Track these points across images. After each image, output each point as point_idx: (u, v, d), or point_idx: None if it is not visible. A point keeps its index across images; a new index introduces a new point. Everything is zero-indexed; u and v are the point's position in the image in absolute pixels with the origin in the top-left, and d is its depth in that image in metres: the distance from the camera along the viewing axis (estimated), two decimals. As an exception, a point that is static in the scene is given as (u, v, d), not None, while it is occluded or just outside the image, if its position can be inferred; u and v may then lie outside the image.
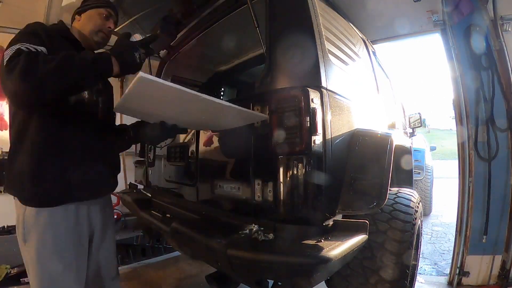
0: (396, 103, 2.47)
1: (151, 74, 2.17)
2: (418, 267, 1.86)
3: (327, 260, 0.80)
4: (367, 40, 2.03)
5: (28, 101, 0.82)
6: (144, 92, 0.77)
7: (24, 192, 0.91)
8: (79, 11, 1.13)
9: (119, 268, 2.53)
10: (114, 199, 3.05)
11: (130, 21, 2.04)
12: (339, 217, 1.10)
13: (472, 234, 2.07)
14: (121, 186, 2.99)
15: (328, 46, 1.14)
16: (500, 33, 1.94)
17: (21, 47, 0.81)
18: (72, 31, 1.11)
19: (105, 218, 1.11)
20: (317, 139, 0.94)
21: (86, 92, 1.03)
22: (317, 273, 0.85)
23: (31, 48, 0.82)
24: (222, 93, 2.90)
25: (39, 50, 0.84)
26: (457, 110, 2.17)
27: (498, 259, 2.02)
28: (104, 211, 1.11)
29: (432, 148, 5.47)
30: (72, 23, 1.14)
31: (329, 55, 1.13)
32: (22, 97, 0.79)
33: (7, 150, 2.63)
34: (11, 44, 0.85)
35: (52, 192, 0.92)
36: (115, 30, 1.18)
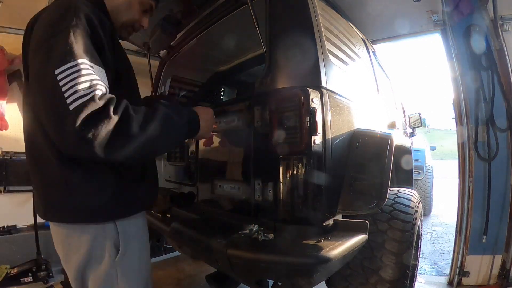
0: (396, 103, 2.47)
1: (151, 74, 2.17)
2: (418, 267, 1.86)
3: (327, 260, 0.81)
4: (367, 40, 2.03)
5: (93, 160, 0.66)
6: None
7: (113, 204, 0.78)
8: None
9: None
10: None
11: (130, 21, 2.04)
12: (339, 217, 1.10)
13: (472, 234, 2.07)
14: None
15: (328, 46, 1.14)
16: (500, 33, 1.94)
17: (95, 88, 0.61)
18: (106, 3, 0.87)
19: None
20: (317, 139, 0.94)
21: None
22: (317, 273, 0.86)
23: (103, 90, 0.63)
24: (222, 93, 2.90)
25: (107, 89, 0.66)
26: (457, 110, 2.17)
27: (498, 259, 2.02)
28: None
29: (432, 148, 5.47)
30: None
31: (329, 55, 1.13)
32: (89, 158, 0.64)
33: (7, 150, 2.62)
34: (63, 55, 0.62)
35: (147, 196, 0.89)
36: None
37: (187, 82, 2.47)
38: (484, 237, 2.03)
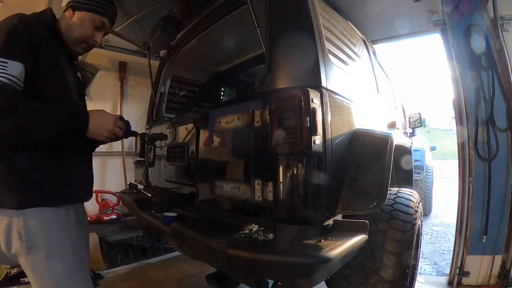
0: (396, 103, 2.47)
1: (151, 74, 2.17)
2: (418, 267, 1.86)
3: (327, 260, 0.80)
4: (367, 40, 2.03)
5: None
6: None
7: (23, 195, 0.85)
8: (74, 6, 1.01)
9: (119, 268, 2.55)
10: (114, 199, 3.06)
11: (130, 21, 2.04)
12: (339, 217, 1.10)
13: (472, 234, 2.07)
14: (121, 186, 3.00)
15: (328, 46, 1.14)
16: (500, 33, 1.94)
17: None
18: (59, 23, 1.01)
19: (85, 220, 1.13)
20: (317, 139, 0.94)
21: (74, 96, 1.02)
22: (317, 273, 0.85)
23: (5, 78, 0.77)
24: (222, 93, 2.91)
25: (15, 81, 0.79)
26: (457, 110, 2.17)
27: (498, 259, 2.02)
28: (85, 214, 1.13)
29: (432, 148, 5.47)
30: (63, 12, 1.03)
31: (329, 55, 1.13)
32: None
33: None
34: None
35: (56, 192, 0.90)
36: (115, 30, 1.16)
37: (187, 82, 2.47)
38: (484, 237, 2.03)
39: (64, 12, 1.03)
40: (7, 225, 0.84)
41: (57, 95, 0.92)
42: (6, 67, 0.77)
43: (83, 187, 1.05)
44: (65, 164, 0.93)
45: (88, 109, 1.02)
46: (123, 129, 1.03)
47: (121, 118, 1.04)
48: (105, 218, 2.85)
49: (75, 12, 1.01)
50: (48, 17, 0.99)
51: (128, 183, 2.80)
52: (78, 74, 1.12)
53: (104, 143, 1.03)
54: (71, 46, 1.03)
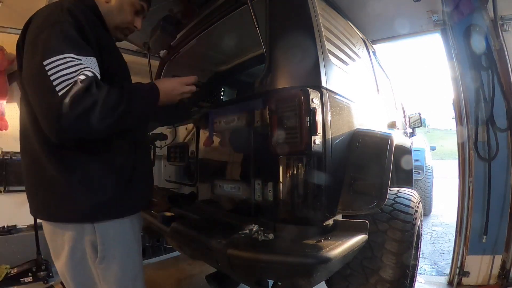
0: (396, 103, 2.47)
1: (151, 74, 2.17)
2: (418, 267, 1.86)
3: (327, 260, 0.80)
4: (367, 40, 2.03)
5: (73, 140, 0.73)
6: None
7: (99, 207, 0.79)
8: None
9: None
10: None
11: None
12: (339, 217, 1.10)
13: (472, 234, 2.07)
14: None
15: (328, 46, 1.14)
16: (500, 33, 1.94)
17: (79, 73, 0.68)
18: (99, 7, 0.90)
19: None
20: (317, 139, 0.94)
21: None
22: (317, 273, 0.85)
23: (88, 74, 0.69)
24: (222, 93, 2.90)
25: (96, 74, 0.72)
26: (457, 110, 2.17)
27: (498, 259, 2.02)
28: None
29: (432, 148, 5.47)
30: None
31: (329, 55, 1.13)
32: (69, 136, 0.70)
33: (7, 150, 2.62)
34: (51, 49, 0.68)
35: (131, 202, 0.87)
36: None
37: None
38: (484, 237, 2.03)
39: None
40: (74, 237, 0.80)
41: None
42: (82, 62, 0.71)
43: (150, 193, 1.03)
44: (137, 173, 0.89)
45: None
46: (194, 83, 1.00)
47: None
48: (105, 218, 2.84)
49: None
50: (90, 1, 0.90)
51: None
52: None
53: (183, 103, 1.00)
54: (111, 32, 0.96)
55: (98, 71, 0.75)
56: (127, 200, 0.85)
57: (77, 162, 0.79)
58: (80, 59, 0.70)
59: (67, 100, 0.65)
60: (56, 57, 0.68)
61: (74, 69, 0.68)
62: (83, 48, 0.73)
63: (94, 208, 0.79)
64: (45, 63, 0.67)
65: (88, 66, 0.71)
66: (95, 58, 0.75)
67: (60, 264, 0.84)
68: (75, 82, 0.67)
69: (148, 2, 1.00)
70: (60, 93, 0.66)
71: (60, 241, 0.81)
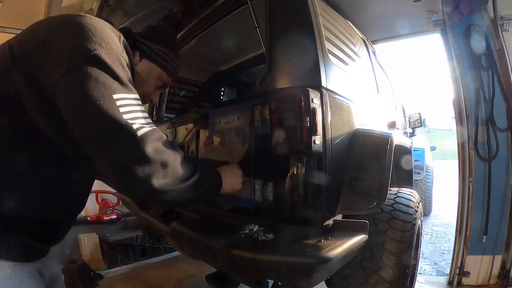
0: (396, 103, 2.47)
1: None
2: (418, 267, 1.86)
3: (327, 260, 0.80)
4: (367, 40, 2.03)
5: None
6: None
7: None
8: (145, 52, 0.83)
9: (119, 268, 2.55)
10: (114, 199, 3.06)
11: (130, 21, 2.04)
12: (339, 217, 1.10)
13: (472, 234, 2.07)
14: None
15: (328, 46, 1.14)
16: (500, 33, 1.94)
17: (151, 122, 0.60)
18: None
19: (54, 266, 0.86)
20: (317, 139, 0.94)
21: None
22: (317, 273, 0.85)
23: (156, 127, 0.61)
24: (222, 93, 2.90)
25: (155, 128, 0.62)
26: (457, 110, 2.17)
27: (498, 259, 2.02)
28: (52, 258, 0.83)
29: (432, 148, 5.47)
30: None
31: (329, 55, 1.13)
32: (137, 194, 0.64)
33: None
34: (121, 83, 0.57)
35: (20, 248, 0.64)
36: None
37: (187, 82, 2.47)
38: (484, 237, 2.03)
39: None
40: None
41: None
42: (140, 104, 0.60)
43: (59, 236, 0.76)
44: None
45: None
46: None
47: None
48: (105, 218, 2.84)
49: (143, 59, 0.84)
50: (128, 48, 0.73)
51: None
52: None
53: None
54: None
55: None
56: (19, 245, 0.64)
57: None
58: (138, 99, 0.61)
59: (150, 143, 0.56)
60: (127, 94, 0.57)
61: (143, 112, 0.59)
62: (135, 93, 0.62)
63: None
64: (115, 97, 0.55)
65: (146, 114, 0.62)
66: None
67: None
68: (153, 129, 0.59)
69: (173, 79, 0.94)
70: (139, 133, 0.56)
71: None
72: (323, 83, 1.02)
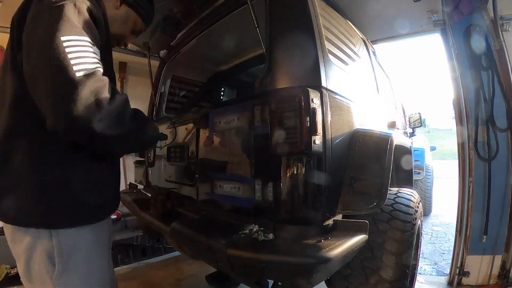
0: (396, 103, 2.47)
1: (151, 74, 2.16)
2: (418, 267, 1.86)
3: (327, 260, 0.80)
4: (367, 40, 2.03)
5: (75, 135, 0.66)
6: None
7: (58, 212, 0.71)
8: (126, 0, 0.93)
9: (119, 268, 2.55)
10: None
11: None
12: (339, 217, 1.10)
13: (472, 234, 2.07)
14: (121, 186, 3.00)
15: (328, 46, 1.14)
16: (500, 33, 1.94)
17: (98, 66, 0.65)
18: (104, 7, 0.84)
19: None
20: (317, 139, 0.94)
21: None
22: (317, 273, 0.85)
23: (99, 64, 0.66)
24: (222, 93, 2.90)
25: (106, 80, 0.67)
26: (457, 110, 2.17)
27: (498, 259, 2.02)
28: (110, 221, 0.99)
29: (432, 148, 5.46)
30: None
31: (329, 55, 1.13)
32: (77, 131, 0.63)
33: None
34: (71, 26, 0.62)
35: (94, 209, 0.78)
36: None
37: (187, 82, 2.47)
38: (484, 237, 2.03)
39: None
40: (30, 245, 0.70)
41: None
42: (95, 52, 0.66)
43: (117, 199, 0.95)
44: (104, 177, 0.84)
45: None
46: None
47: None
48: (105, 218, 2.84)
49: (123, 5, 0.93)
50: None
51: (128, 183, 2.80)
52: None
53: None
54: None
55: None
56: (87, 208, 0.76)
57: (45, 165, 0.71)
58: (93, 46, 0.66)
59: (87, 83, 0.59)
60: (76, 36, 0.62)
61: (92, 58, 0.64)
62: (96, 38, 0.69)
63: (51, 212, 0.70)
64: (63, 38, 0.60)
65: (99, 59, 0.67)
66: (99, 52, 0.71)
67: (20, 273, 0.74)
68: (95, 71, 0.63)
69: (146, 26, 1.03)
70: (78, 74, 0.59)
71: (18, 248, 0.72)
72: (323, 83, 1.02)
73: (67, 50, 0.60)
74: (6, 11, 2.13)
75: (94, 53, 0.66)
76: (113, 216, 2.88)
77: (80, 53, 0.62)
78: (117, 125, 0.67)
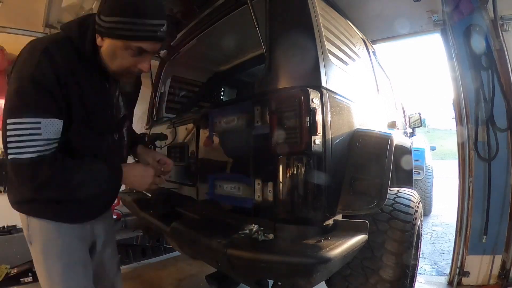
0: (396, 103, 2.47)
1: (151, 74, 2.16)
2: (418, 267, 1.86)
3: (327, 260, 0.80)
4: (367, 40, 2.03)
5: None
6: None
7: (30, 205, 0.92)
8: (100, 31, 0.78)
9: (119, 268, 2.54)
10: (114, 199, 3.06)
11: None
12: (339, 217, 1.10)
13: (472, 234, 2.07)
14: (121, 186, 3.01)
15: (328, 46, 1.14)
16: (500, 33, 1.94)
17: (27, 151, 0.74)
18: (91, 45, 0.82)
19: (106, 225, 1.11)
20: (317, 139, 0.94)
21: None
22: (317, 273, 0.85)
23: (35, 152, 0.75)
24: (222, 93, 2.90)
25: (51, 142, 0.77)
26: (457, 110, 2.17)
27: (498, 259, 2.02)
28: (105, 219, 1.10)
29: (432, 148, 5.46)
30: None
31: (329, 55, 1.13)
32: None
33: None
34: (16, 109, 0.74)
35: (67, 213, 0.94)
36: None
37: (187, 82, 2.47)
38: (484, 237, 2.03)
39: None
40: (24, 222, 0.96)
41: (84, 121, 0.85)
42: (40, 129, 0.74)
43: (94, 211, 1.02)
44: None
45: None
46: (165, 175, 1.13)
47: (160, 160, 1.14)
48: (105, 218, 2.84)
49: (104, 38, 0.79)
50: (75, 37, 0.81)
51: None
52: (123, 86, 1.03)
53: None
54: (113, 75, 0.89)
55: (59, 132, 0.78)
56: (49, 206, 0.91)
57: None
58: (40, 122, 0.74)
59: (14, 166, 0.76)
60: (23, 119, 0.73)
61: (26, 140, 0.73)
62: (47, 109, 0.75)
63: (25, 204, 0.92)
64: (8, 121, 0.73)
65: (41, 138, 0.75)
66: (56, 120, 0.77)
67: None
68: (22, 159, 0.74)
69: (153, 39, 0.81)
70: (9, 157, 0.75)
71: (23, 223, 0.96)
72: (323, 83, 1.02)
73: (7, 133, 0.74)
74: (6, 11, 2.13)
75: (34, 133, 0.74)
76: (113, 216, 2.88)
77: (18, 137, 0.73)
78: (54, 192, 0.84)
